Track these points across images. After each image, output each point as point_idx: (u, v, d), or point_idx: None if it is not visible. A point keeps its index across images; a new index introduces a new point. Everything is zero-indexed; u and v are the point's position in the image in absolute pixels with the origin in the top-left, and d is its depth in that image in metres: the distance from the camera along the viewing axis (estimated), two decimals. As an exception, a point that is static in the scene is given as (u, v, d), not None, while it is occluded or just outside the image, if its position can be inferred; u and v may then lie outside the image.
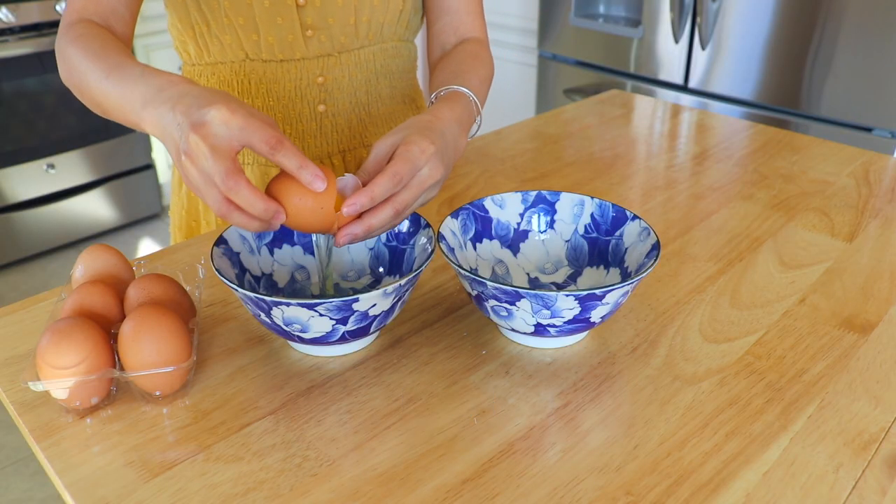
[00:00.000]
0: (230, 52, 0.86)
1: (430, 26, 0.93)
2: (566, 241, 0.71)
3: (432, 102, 0.75)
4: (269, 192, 0.56)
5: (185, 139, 0.54)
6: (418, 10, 0.94)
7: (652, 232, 0.64)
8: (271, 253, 0.68)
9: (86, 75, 0.68)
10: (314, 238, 0.64)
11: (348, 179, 0.60)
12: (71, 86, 0.72)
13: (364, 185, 0.60)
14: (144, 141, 2.63)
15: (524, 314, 0.58)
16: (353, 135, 0.94)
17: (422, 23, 0.97)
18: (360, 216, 0.58)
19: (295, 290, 0.69)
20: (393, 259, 0.69)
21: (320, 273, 0.65)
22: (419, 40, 1.13)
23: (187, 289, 0.68)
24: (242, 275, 0.64)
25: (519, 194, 0.72)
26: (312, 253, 0.70)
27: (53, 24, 2.30)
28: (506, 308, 0.59)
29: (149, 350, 0.55)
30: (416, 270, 0.58)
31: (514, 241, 0.72)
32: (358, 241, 0.59)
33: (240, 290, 0.56)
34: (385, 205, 0.58)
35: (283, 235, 0.69)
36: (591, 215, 0.70)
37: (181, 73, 0.95)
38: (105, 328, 0.58)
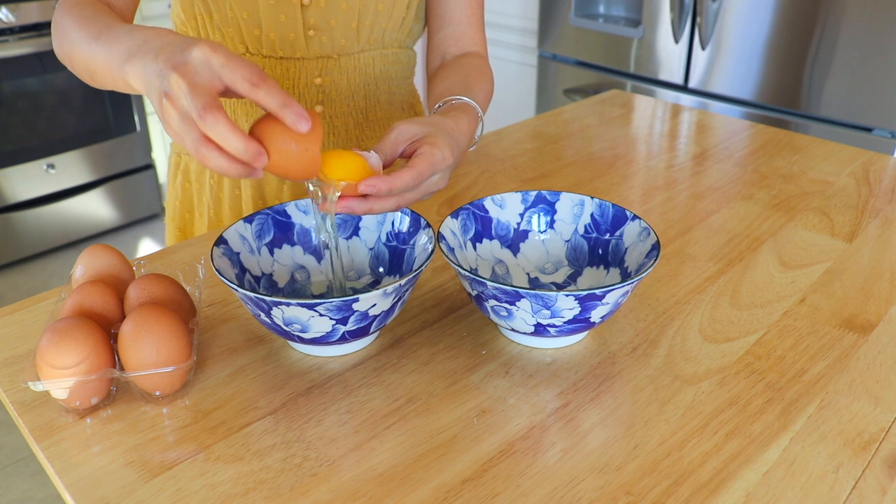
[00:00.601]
0: (230, 45, 0.86)
1: (431, 36, 0.94)
2: (566, 241, 0.71)
3: (438, 108, 0.76)
4: (251, 134, 0.53)
5: (166, 80, 0.52)
6: (420, 19, 0.94)
7: (652, 232, 0.64)
8: (271, 253, 0.68)
9: (76, 42, 0.67)
10: (327, 241, 0.64)
11: (371, 156, 0.61)
12: (62, 55, 0.71)
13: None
14: (144, 141, 2.63)
15: (524, 314, 0.58)
16: (349, 138, 0.94)
17: (423, 31, 0.97)
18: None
19: (295, 289, 0.69)
20: (393, 259, 0.69)
21: (333, 276, 0.65)
22: (418, 47, 1.13)
23: (187, 289, 0.68)
24: (242, 275, 0.64)
25: (519, 194, 0.72)
26: (312, 253, 0.70)
27: (53, 24, 2.30)
28: (506, 308, 0.59)
29: (149, 350, 0.55)
30: (416, 270, 0.58)
31: (514, 241, 0.72)
32: (352, 214, 0.59)
33: (240, 290, 0.56)
34: (392, 196, 0.60)
35: (284, 235, 0.69)
36: (591, 215, 0.70)
37: None
38: (105, 328, 0.58)
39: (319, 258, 0.70)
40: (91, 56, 0.64)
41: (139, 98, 2.57)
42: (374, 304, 0.57)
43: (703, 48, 1.87)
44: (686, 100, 1.96)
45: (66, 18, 0.70)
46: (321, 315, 0.55)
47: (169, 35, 0.57)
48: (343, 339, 0.59)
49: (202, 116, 0.49)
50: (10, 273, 2.45)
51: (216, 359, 0.62)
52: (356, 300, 0.55)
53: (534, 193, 0.71)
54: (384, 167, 0.64)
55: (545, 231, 0.72)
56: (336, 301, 0.54)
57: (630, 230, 0.67)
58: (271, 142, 0.52)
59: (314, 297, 0.69)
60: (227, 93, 0.54)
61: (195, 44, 0.52)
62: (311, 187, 0.59)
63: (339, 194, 0.58)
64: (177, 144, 0.97)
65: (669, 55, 1.95)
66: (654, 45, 1.97)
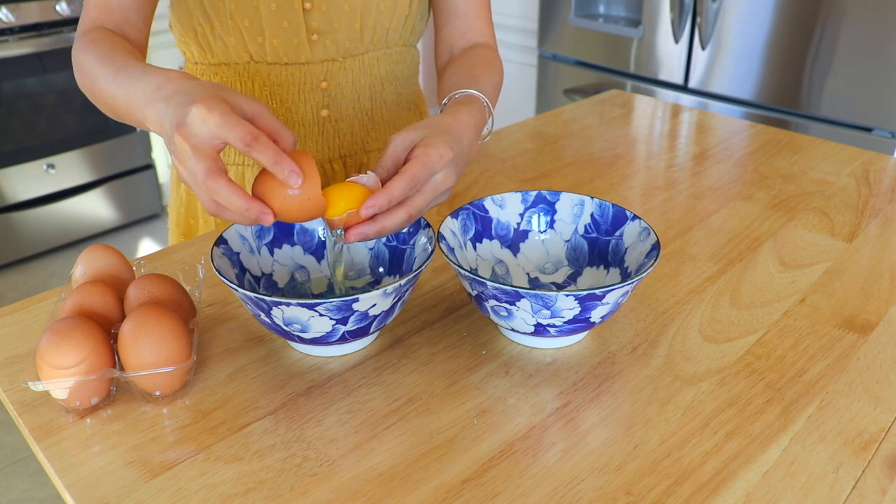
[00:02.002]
0: (234, 54, 0.86)
1: (437, 30, 0.93)
2: (566, 241, 0.71)
3: (445, 104, 0.75)
4: (255, 188, 0.56)
5: (171, 140, 0.54)
6: (423, 16, 0.94)
7: (652, 232, 0.64)
8: (271, 253, 0.68)
9: (97, 79, 0.69)
10: (326, 238, 0.64)
11: (369, 178, 0.60)
12: (86, 91, 0.74)
13: (381, 180, 0.60)
14: (144, 141, 2.63)
15: (524, 314, 0.58)
16: (354, 140, 0.94)
17: (425, 28, 0.97)
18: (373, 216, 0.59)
19: (295, 289, 0.69)
20: (393, 259, 0.69)
21: (332, 272, 0.65)
22: (421, 45, 1.13)
23: (187, 289, 0.68)
24: (242, 275, 0.64)
25: (519, 194, 0.72)
26: (312, 253, 0.70)
27: (53, 24, 2.30)
28: (506, 308, 0.59)
29: (149, 350, 0.55)
30: (416, 270, 0.58)
31: (514, 241, 0.72)
32: (368, 240, 0.59)
33: (240, 290, 0.56)
34: (399, 208, 0.59)
35: (284, 235, 0.69)
36: (591, 215, 0.70)
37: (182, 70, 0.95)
38: (105, 328, 0.58)
39: (319, 258, 0.70)
40: (112, 96, 0.67)
41: (139, 98, 2.56)
42: (374, 304, 0.57)
43: (703, 48, 1.87)
44: (686, 100, 1.96)
45: (84, 55, 0.72)
46: (321, 315, 0.55)
47: (178, 80, 0.58)
48: (343, 339, 0.59)
49: (205, 182, 0.52)
50: (10, 273, 2.45)
51: (216, 359, 0.62)
52: (356, 300, 0.55)
53: (534, 193, 0.71)
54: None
55: (545, 231, 0.72)
56: (336, 301, 0.54)
57: (630, 230, 0.67)
58: (273, 195, 0.55)
59: (314, 296, 0.69)
60: None
61: (194, 101, 0.53)
62: (321, 231, 0.63)
63: (342, 231, 0.59)
64: None
65: (669, 55, 1.95)
66: (654, 45, 1.97)
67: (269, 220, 0.55)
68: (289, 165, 0.53)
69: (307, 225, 0.70)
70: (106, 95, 0.68)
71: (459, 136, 0.65)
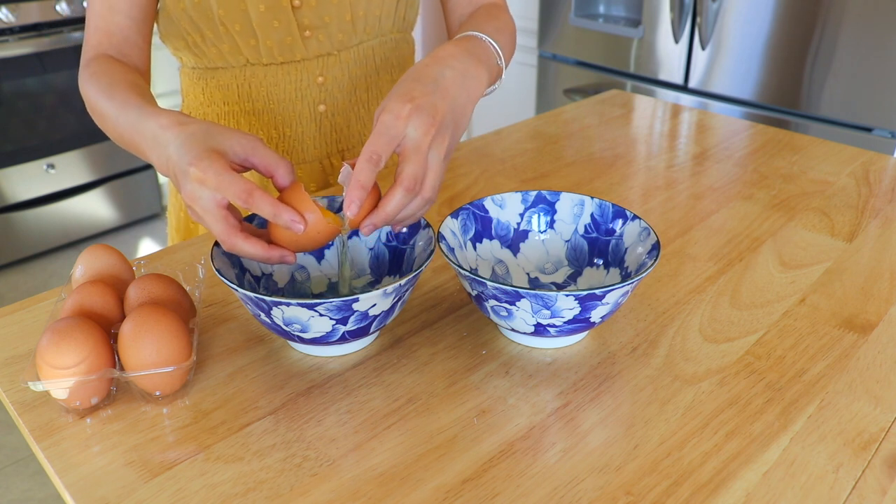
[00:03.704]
0: (230, 58, 0.85)
1: (444, 4, 0.91)
2: (566, 241, 0.71)
3: None
4: (269, 230, 0.59)
5: (186, 205, 0.59)
6: (414, 4, 0.93)
7: (652, 232, 0.64)
8: (271, 253, 0.68)
9: (102, 115, 0.72)
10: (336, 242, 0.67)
11: (345, 173, 0.59)
12: (96, 120, 0.75)
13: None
14: (144, 141, 2.63)
15: (524, 314, 0.58)
16: (351, 133, 0.94)
17: (417, 15, 0.97)
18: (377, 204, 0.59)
19: (295, 289, 0.69)
20: (393, 259, 0.69)
21: (340, 275, 0.66)
22: (417, 35, 1.13)
23: (187, 289, 0.68)
24: (242, 275, 0.64)
25: (519, 194, 0.72)
26: (312, 253, 0.70)
27: (53, 24, 2.30)
28: (506, 308, 0.59)
29: (149, 350, 0.55)
30: (416, 270, 0.58)
31: (514, 241, 0.72)
32: (380, 227, 0.59)
33: (240, 290, 0.56)
34: (394, 188, 0.57)
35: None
36: (591, 215, 0.70)
37: (179, 74, 0.95)
38: (105, 328, 0.58)
39: (320, 258, 0.70)
40: (118, 133, 0.70)
41: (139, 98, 2.56)
42: (374, 304, 0.57)
43: (703, 48, 1.87)
44: (686, 100, 1.96)
45: (89, 88, 0.74)
46: (321, 315, 0.55)
47: (170, 131, 0.59)
48: (343, 339, 0.59)
49: (224, 242, 0.56)
50: (10, 273, 2.45)
51: (216, 359, 0.62)
52: (356, 300, 0.55)
53: (534, 193, 0.71)
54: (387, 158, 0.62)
55: (545, 231, 0.72)
56: (336, 301, 0.54)
57: (630, 230, 0.67)
58: (285, 237, 0.58)
59: (314, 296, 0.69)
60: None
61: (189, 164, 0.56)
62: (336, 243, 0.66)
63: (348, 235, 0.62)
64: None
65: (669, 55, 1.95)
66: (654, 45, 1.97)
67: (292, 261, 0.59)
68: (287, 216, 0.55)
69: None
70: (112, 132, 0.71)
71: (432, 77, 0.60)
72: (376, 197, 0.59)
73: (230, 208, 0.57)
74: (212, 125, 0.59)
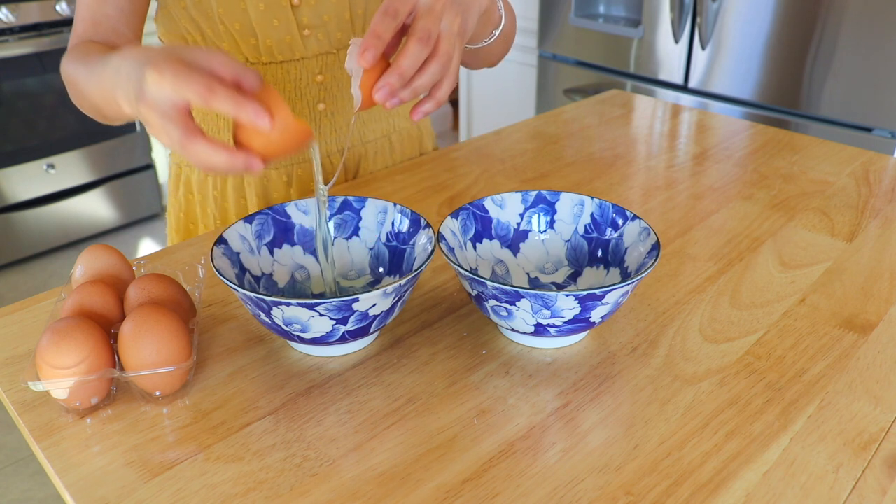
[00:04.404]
0: None
1: None
2: (566, 241, 0.71)
3: None
4: (235, 137, 0.55)
5: (141, 116, 0.53)
6: None
7: (652, 232, 0.64)
8: (271, 253, 0.68)
9: (79, 86, 0.68)
10: (317, 241, 0.64)
11: (353, 53, 0.57)
12: (77, 103, 0.73)
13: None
14: (144, 141, 2.63)
15: (524, 314, 0.58)
16: (351, 132, 0.94)
17: None
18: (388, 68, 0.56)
19: (295, 289, 0.69)
20: (393, 259, 0.69)
21: (324, 275, 0.65)
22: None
23: (187, 289, 0.68)
24: (242, 275, 0.64)
25: (519, 194, 0.72)
26: (312, 253, 0.70)
27: (53, 24, 2.30)
28: (506, 308, 0.59)
29: (149, 350, 0.55)
30: (416, 270, 0.58)
31: (514, 241, 0.72)
32: (396, 90, 0.56)
33: (240, 290, 0.56)
34: (406, 43, 0.55)
35: (284, 235, 0.69)
36: (591, 215, 0.70)
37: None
38: (105, 328, 0.58)
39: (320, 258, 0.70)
40: (91, 93, 0.65)
41: (139, 98, 2.56)
42: (374, 304, 0.57)
43: (703, 48, 1.87)
44: (686, 100, 1.96)
45: (67, 67, 0.72)
46: (321, 315, 0.55)
47: (130, 56, 0.56)
48: (343, 339, 0.59)
49: (184, 147, 0.52)
50: (10, 273, 2.45)
51: (216, 359, 0.62)
52: (356, 300, 0.55)
53: (534, 193, 0.71)
54: (393, 47, 0.60)
55: (545, 231, 0.72)
56: (336, 301, 0.54)
57: (630, 230, 0.67)
58: (252, 140, 0.53)
59: (314, 296, 0.69)
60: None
61: (146, 67, 0.52)
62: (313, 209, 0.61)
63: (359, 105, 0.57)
64: (177, 156, 0.96)
65: (669, 55, 1.95)
66: (654, 45, 1.97)
67: (258, 167, 0.53)
68: (251, 108, 0.51)
69: (307, 225, 0.70)
70: (89, 99, 0.67)
71: None
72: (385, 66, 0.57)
73: (191, 118, 0.53)
74: (178, 45, 0.57)
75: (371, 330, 0.60)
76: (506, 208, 0.71)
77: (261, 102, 0.52)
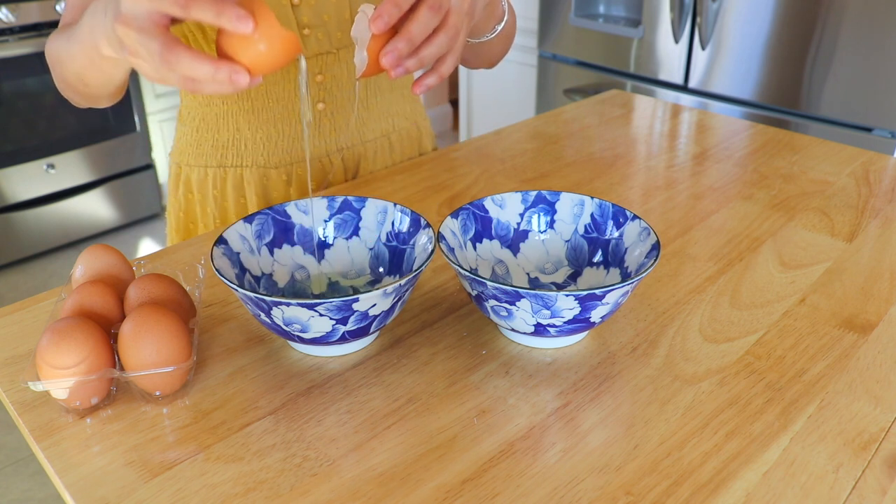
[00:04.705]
0: None
1: None
2: (566, 241, 0.71)
3: None
4: (218, 49, 0.52)
5: (119, 38, 0.51)
6: None
7: (652, 232, 0.64)
8: (271, 253, 0.68)
9: (61, 56, 0.67)
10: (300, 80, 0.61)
11: (360, 21, 0.56)
12: (61, 86, 0.73)
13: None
14: (144, 141, 2.63)
15: (524, 314, 0.58)
16: (350, 131, 0.94)
17: None
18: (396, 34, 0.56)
19: (295, 289, 0.69)
20: (393, 259, 0.69)
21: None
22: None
23: (187, 289, 0.68)
24: (242, 275, 0.64)
25: (519, 194, 0.72)
26: (312, 253, 0.70)
27: (53, 24, 2.30)
28: (506, 308, 0.59)
29: (149, 350, 0.55)
30: (416, 270, 0.58)
31: (514, 241, 0.72)
32: (403, 56, 0.55)
33: (240, 290, 0.56)
34: (417, 7, 0.55)
35: (284, 235, 0.69)
36: (591, 215, 0.70)
37: None
38: (105, 328, 0.58)
39: (320, 258, 0.70)
40: (73, 57, 0.64)
41: (139, 98, 2.57)
42: (374, 304, 0.57)
43: (703, 48, 1.87)
44: (686, 100, 1.96)
45: (50, 44, 0.72)
46: (321, 315, 0.55)
47: None
48: (343, 339, 0.59)
49: (165, 60, 0.49)
50: (10, 273, 2.45)
51: (216, 359, 0.62)
52: (356, 300, 0.55)
53: (534, 193, 0.71)
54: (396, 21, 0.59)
55: (545, 231, 0.72)
56: (336, 301, 0.54)
57: (630, 230, 0.67)
58: (237, 51, 0.51)
59: (314, 296, 0.69)
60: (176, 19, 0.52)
61: None
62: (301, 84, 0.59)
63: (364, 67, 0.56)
64: (176, 155, 0.96)
65: (669, 55, 1.95)
66: (654, 45, 1.97)
67: (243, 80, 0.50)
68: (232, 12, 0.48)
69: (307, 225, 0.70)
70: (72, 67, 0.65)
71: None
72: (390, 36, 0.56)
73: (169, 31, 0.51)
74: None
75: (371, 330, 0.60)
76: (506, 208, 0.71)
77: (243, 9, 0.49)
